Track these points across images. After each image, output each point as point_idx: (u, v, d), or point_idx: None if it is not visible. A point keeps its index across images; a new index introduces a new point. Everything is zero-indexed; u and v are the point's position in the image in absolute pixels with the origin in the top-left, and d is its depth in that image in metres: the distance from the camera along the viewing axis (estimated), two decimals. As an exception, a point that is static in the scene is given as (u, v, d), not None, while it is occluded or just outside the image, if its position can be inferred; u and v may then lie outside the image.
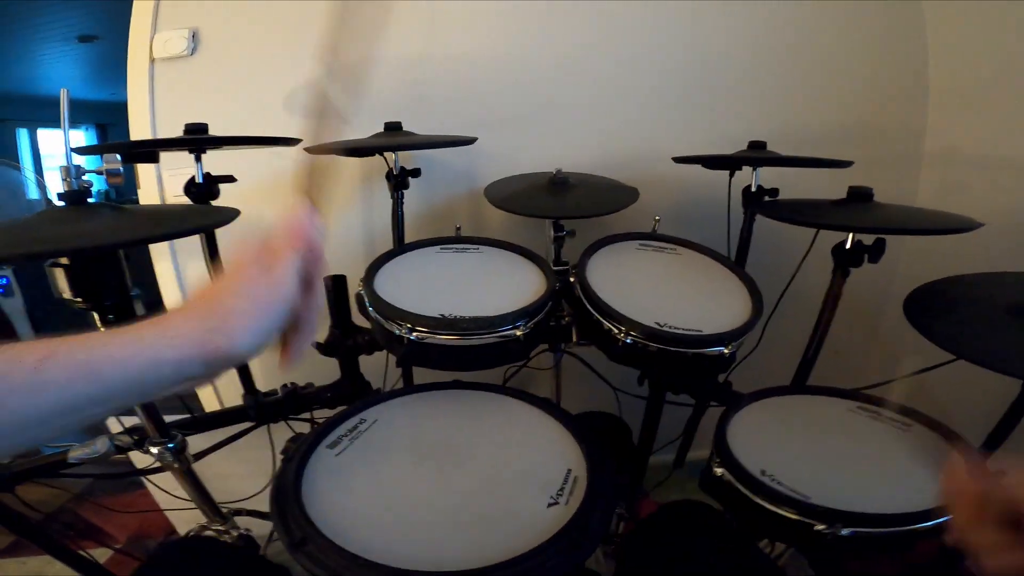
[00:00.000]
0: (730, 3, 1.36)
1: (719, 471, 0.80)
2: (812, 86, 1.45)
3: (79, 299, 0.76)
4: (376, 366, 1.20)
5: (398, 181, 1.15)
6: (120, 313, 0.78)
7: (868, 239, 1.00)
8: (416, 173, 1.18)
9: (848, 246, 1.00)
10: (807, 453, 0.81)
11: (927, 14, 1.42)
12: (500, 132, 1.35)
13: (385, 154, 1.14)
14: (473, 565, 0.56)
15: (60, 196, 0.76)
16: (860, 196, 1.00)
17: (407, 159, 1.21)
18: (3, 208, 2.36)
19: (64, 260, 0.74)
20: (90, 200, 0.77)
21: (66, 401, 0.33)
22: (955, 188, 1.46)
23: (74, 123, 0.78)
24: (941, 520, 0.67)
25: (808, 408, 0.94)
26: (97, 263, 0.74)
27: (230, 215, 0.75)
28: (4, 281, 2.34)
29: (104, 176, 0.80)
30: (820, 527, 0.67)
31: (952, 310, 0.92)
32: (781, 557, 1.15)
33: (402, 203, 1.18)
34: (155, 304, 1.26)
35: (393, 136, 1.12)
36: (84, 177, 0.78)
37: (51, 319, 2.93)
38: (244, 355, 0.39)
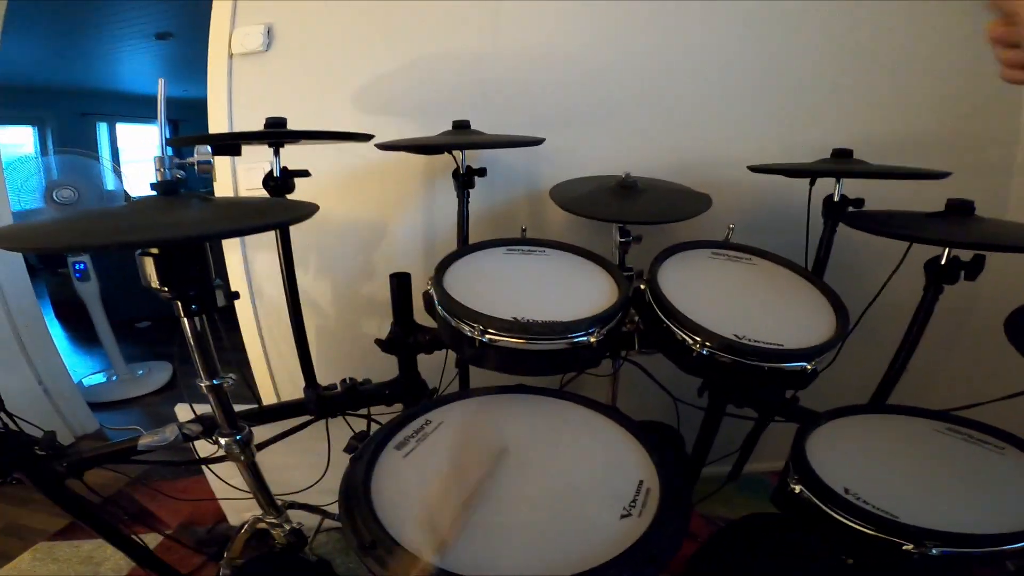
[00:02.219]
0: (814, 4, 1.29)
1: (796, 488, 0.77)
2: (897, 91, 1.36)
3: (165, 288, 0.79)
4: (433, 365, 1.21)
5: (465, 180, 1.15)
6: (203, 303, 0.80)
7: (965, 255, 0.94)
8: (483, 172, 1.17)
9: (944, 262, 0.94)
10: (893, 472, 0.78)
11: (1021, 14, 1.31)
12: (566, 133, 1.33)
13: (453, 152, 1.14)
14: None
15: (153, 186, 0.79)
16: (960, 209, 0.93)
17: (473, 158, 1.21)
18: (83, 197, 2.51)
19: (154, 249, 0.77)
20: (181, 191, 0.79)
21: None
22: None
23: (149, 119, 0.81)
24: None
25: (892, 427, 0.90)
26: (185, 253, 0.76)
27: (311, 209, 0.75)
28: (82, 266, 2.48)
29: (195, 167, 0.83)
30: (908, 547, 0.65)
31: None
32: None
33: (467, 202, 1.18)
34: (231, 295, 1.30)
35: (461, 134, 1.11)
36: (176, 168, 0.81)
37: (124, 304, 3.11)
38: None
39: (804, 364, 0.80)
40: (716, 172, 1.33)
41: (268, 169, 1.00)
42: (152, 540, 1.55)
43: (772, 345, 0.81)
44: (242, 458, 0.99)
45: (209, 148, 0.80)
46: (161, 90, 0.81)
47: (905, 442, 0.86)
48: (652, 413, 1.34)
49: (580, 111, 1.34)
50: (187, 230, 0.66)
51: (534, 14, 1.29)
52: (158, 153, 0.78)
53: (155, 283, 0.79)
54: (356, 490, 0.66)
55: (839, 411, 0.92)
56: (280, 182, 0.99)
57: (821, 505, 0.74)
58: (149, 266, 0.78)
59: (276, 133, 0.91)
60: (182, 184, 0.77)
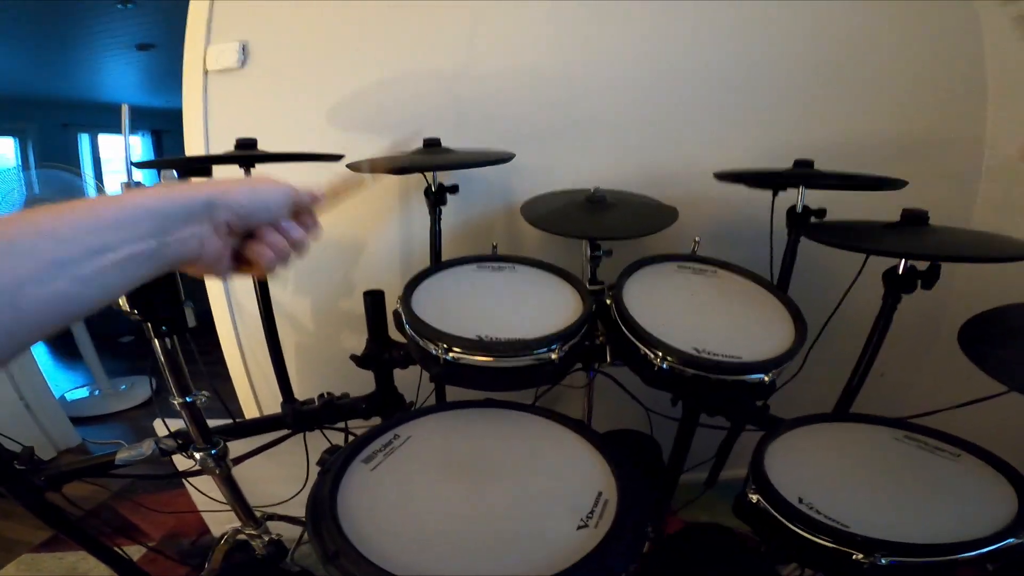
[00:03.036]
0: (773, 11, 1.32)
1: (754, 498, 0.79)
2: (860, 98, 1.39)
3: (135, 311, 0.80)
4: (410, 379, 1.22)
5: (436, 198, 1.17)
6: (173, 324, 0.82)
7: (922, 264, 0.96)
8: (454, 190, 1.19)
9: (901, 271, 0.97)
10: (848, 481, 0.80)
11: (982, 16, 1.33)
12: (538, 148, 1.35)
13: (424, 173, 1.16)
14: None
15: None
16: (915, 219, 0.95)
17: (445, 175, 1.23)
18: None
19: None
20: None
21: (91, 234, 0.34)
22: (1016, 204, 1.38)
23: (133, 129, 0.82)
24: (985, 550, 0.65)
25: (851, 436, 0.91)
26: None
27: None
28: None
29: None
30: (858, 556, 0.67)
31: (1009, 340, 0.88)
32: None
33: (440, 220, 1.20)
34: (205, 313, 1.31)
35: (432, 153, 1.13)
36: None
37: (106, 319, 3.07)
38: (240, 204, 0.46)
39: (762, 376, 0.83)
40: (685, 184, 1.36)
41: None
42: (136, 552, 1.55)
43: (731, 358, 0.83)
44: (217, 471, 1.01)
45: (175, 173, 0.82)
46: (125, 115, 0.82)
47: (863, 450, 0.87)
48: (629, 422, 1.36)
49: (551, 126, 1.37)
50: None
51: (507, 33, 1.32)
52: (124, 179, 0.80)
53: (124, 306, 0.80)
54: (322, 502, 0.68)
55: (800, 420, 0.94)
56: (252, 202, 1.00)
57: (776, 515, 0.75)
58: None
59: (246, 157, 0.93)
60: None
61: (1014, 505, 0.72)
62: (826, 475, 0.81)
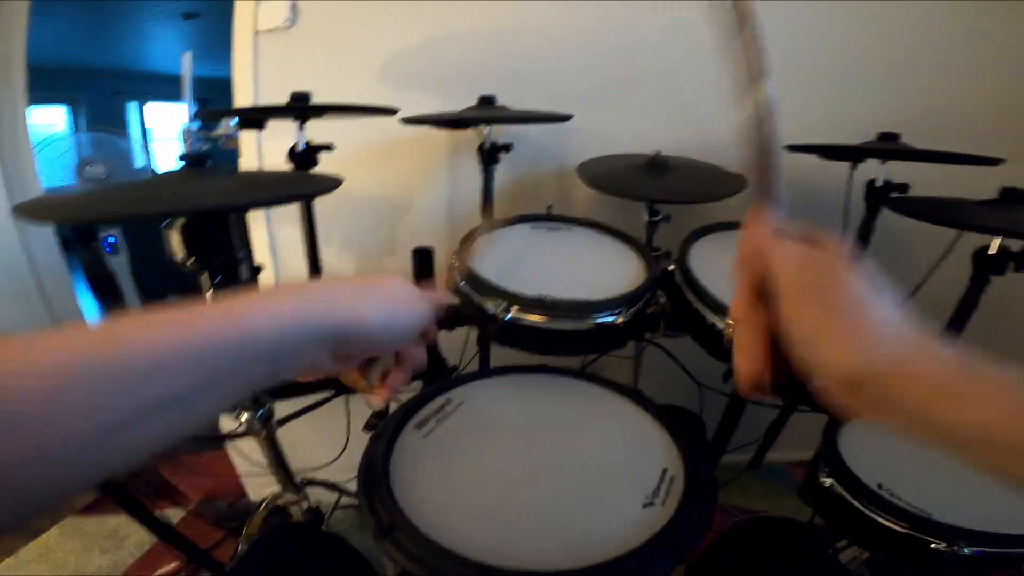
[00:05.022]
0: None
1: (827, 481, 0.76)
2: (947, 73, 1.30)
3: (192, 259, 0.79)
4: (454, 343, 1.20)
5: (489, 155, 1.13)
6: (227, 274, 0.80)
7: (1016, 245, 0.89)
8: (508, 148, 1.15)
9: (993, 252, 0.89)
10: (926, 467, 0.76)
11: None
12: (595, 110, 1.29)
13: (479, 127, 1.12)
14: (564, 566, 0.53)
15: (180, 158, 0.79)
16: (1014, 197, 0.89)
17: (499, 133, 1.18)
18: (113, 174, 2.56)
19: (180, 221, 0.77)
20: (209, 163, 0.79)
21: (211, 356, 0.29)
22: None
23: (177, 98, 0.81)
24: None
25: None
26: (210, 225, 0.76)
27: (334, 183, 0.75)
28: (112, 240, 2.54)
29: (221, 140, 0.82)
30: (939, 544, 0.65)
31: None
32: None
33: (492, 178, 1.16)
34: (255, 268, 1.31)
35: (487, 109, 1.09)
36: (203, 143, 0.80)
37: (153, 278, 3.18)
38: (376, 333, 0.39)
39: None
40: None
41: (292, 143, 0.99)
42: (175, 515, 1.59)
43: (806, 331, 0.78)
44: (263, 434, 1.00)
45: (234, 121, 0.80)
46: (187, 64, 0.80)
47: None
48: (672, 397, 1.31)
49: (611, 87, 1.30)
50: (212, 201, 0.65)
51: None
52: (185, 126, 0.78)
53: (180, 255, 0.79)
54: (376, 470, 0.65)
55: None
56: (304, 156, 0.98)
57: (852, 501, 0.72)
58: (175, 239, 0.78)
59: (301, 107, 0.90)
60: (207, 157, 0.77)
61: None
62: (903, 460, 0.77)
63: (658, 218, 1.06)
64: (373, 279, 0.42)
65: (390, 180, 1.38)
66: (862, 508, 0.71)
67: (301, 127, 0.98)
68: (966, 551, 0.63)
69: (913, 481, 0.72)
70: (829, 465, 0.76)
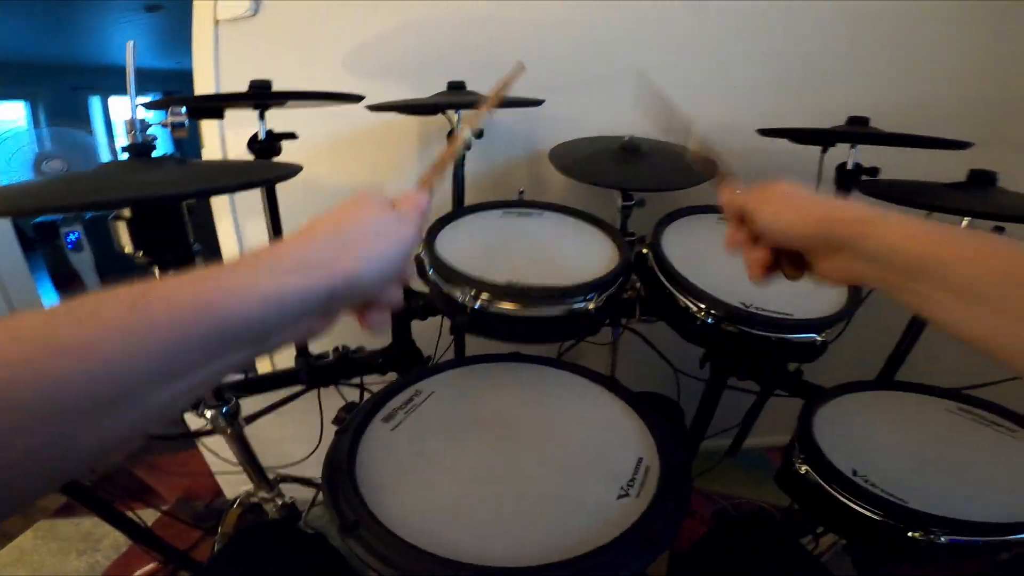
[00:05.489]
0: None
1: (802, 468, 0.75)
2: (916, 58, 1.30)
3: (140, 252, 0.75)
4: (428, 333, 1.17)
5: (460, 143, 1.10)
6: (181, 268, 0.76)
7: (984, 227, 0.89)
8: (479, 134, 1.12)
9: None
10: (902, 454, 0.76)
11: None
12: (567, 95, 1.27)
13: (447, 113, 1.09)
14: (536, 561, 0.52)
15: (124, 149, 0.75)
16: (982, 180, 0.90)
17: (469, 120, 1.16)
18: (74, 168, 2.47)
19: (127, 213, 0.73)
20: (154, 154, 0.75)
21: (174, 349, 0.26)
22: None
23: (141, 91, 0.77)
24: None
25: (902, 406, 0.87)
26: (159, 216, 0.72)
27: (292, 170, 0.71)
28: (75, 236, 2.45)
29: (169, 129, 0.78)
30: (915, 533, 0.64)
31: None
32: (824, 555, 1.08)
33: (463, 165, 1.13)
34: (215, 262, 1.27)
35: (456, 95, 1.06)
36: (149, 131, 0.76)
37: (118, 276, 3.08)
38: (368, 284, 0.36)
39: (814, 336, 0.76)
40: (723, 138, 1.26)
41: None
42: (151, 516, 1.55)
43: (781, 315, 0.77)
44: (229, 431, 0.97)
45: (184, 109, 0.76)
46: (130, 54, 0.76)
47: (915, 422, 0.83)
48: (650, 384, 1.30)
49: (583, 73, 1.28)
50: (153, 190, 0.62)
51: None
52: (129, 116, 0.74)
53: (129, 248, 0.75)
54: (340, 466, 0.62)
55: (846, 387, 0.89)
56: (265, 145, 0.94)
57: (827, 487, 0.71)
58: (123, 231, 0.74)
59: (258, 95, 0.86)
60: (152, 147, 0.73)
61: None
62: (879, 446, 0.77)
63: (632, 203, 1.05)
64: (347, 216, 0.37)
65: (360, 169, 1.35)
66: (837, 495, 0.70)
67: (261, 116, 0.94)
68: (942, 539, 0.63)
69: (889, 468, 0.72)
70: (804, 452, 0.75)
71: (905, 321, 1.07)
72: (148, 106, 0.88)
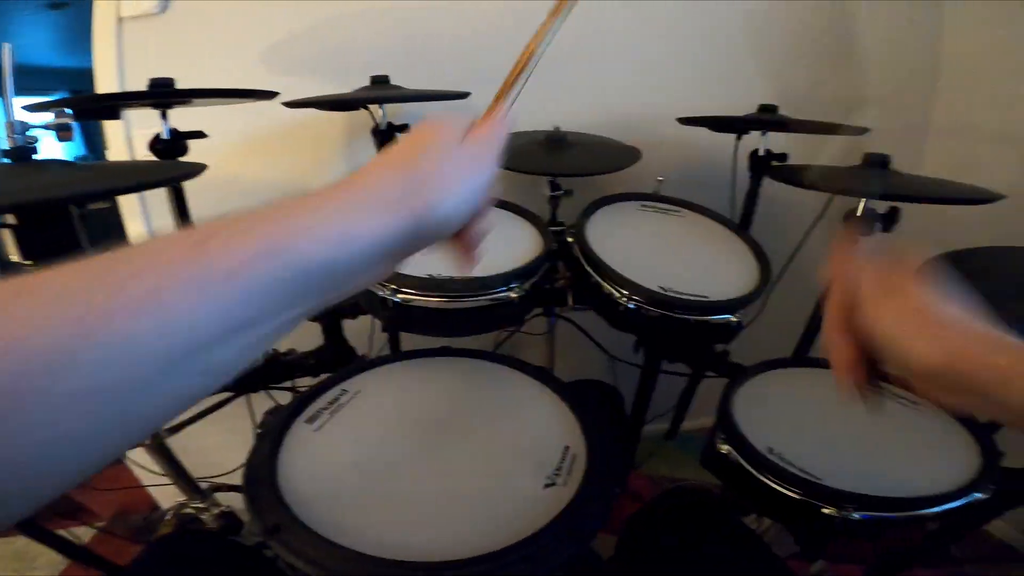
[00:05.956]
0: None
1: (724, 448, 0.76)
2: (825, 50, 1.38)
3: (29, 261, 0.69)
4: (362, 331, 1.15)
5: (384, 136, 1.07)
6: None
7: (881, 208, 0.95)
8: (404, 128, 1.10)
9: (860, 213, 0.95)
10: (814, 431, 0.78)
11: None
12: (494, 87, 1.26)
13: (371, 108, 1.07)
14: (465, 554, 0.51)
15: (4, 153, 0.70)
16: (877, 163, 0.95)
17: (395, 114, 1.13)
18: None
19: (11, 219, 0.68)
20: (35, 157, 0.70)
21: (241, 298, 0.23)
22: (961, 162, 1.41)
23: (46, 90, 0.72)
24: (952, 505, 0.65)
25: (814, 382, 0.90)
26: (45, 221, 0.67)
27: (194, 169, 0.68)
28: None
29: (55, 132, 0.73)
30: (829, 510, 0.65)
31: (963, 285, 0.88)
32: (767, 531, 1.13)
33: (391, 161, 1.11)
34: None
35: (379, 89, 1.04)
36: (29, 132, 0.71)
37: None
38: (447, 221, 0.33)
39: (728, 316, 0.80)
40: (645, 127, 1.31)
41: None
42: (87, 533, 1.46)
43: (697, 297, 0.80)
44: (149, 441, 0.92)
45: (68, 110, 0.71)
46: (6, 57, 0.71)
47: (826, 398, 0.85)
48: (589, 372, 1.33)
49: (507, 65, 1.28)
50: (38, 194, 0.57)
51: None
52: (7, 118, 0.69)
53: (16, 256, 0.70)
54: (260, 470, 0.60)
55: (764, 365, 0.91)
56: (170, 145, 0.89)
57: (748, 467, 0.72)
58: (7, 238, 0.69)
59: (157, 94, 0.81)
60: (32, 150, 0.68)
61: (976, 456, 0.72)
62: (793, 424, 0.79)
63: (559, 192, 1.06)
64: (421, 146, 0.34)
65: (283, 167, 1.30)
66: (756, 474, 0.71)
67: (163, 116, 0.88)
68: (855, 516, 0.64)
69: (803, 445, 0.73)
70: (724, 431, 0.76)
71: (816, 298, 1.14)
72: (31, 108, 0.82)
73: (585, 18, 1.26)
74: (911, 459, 0.73)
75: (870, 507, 0.64)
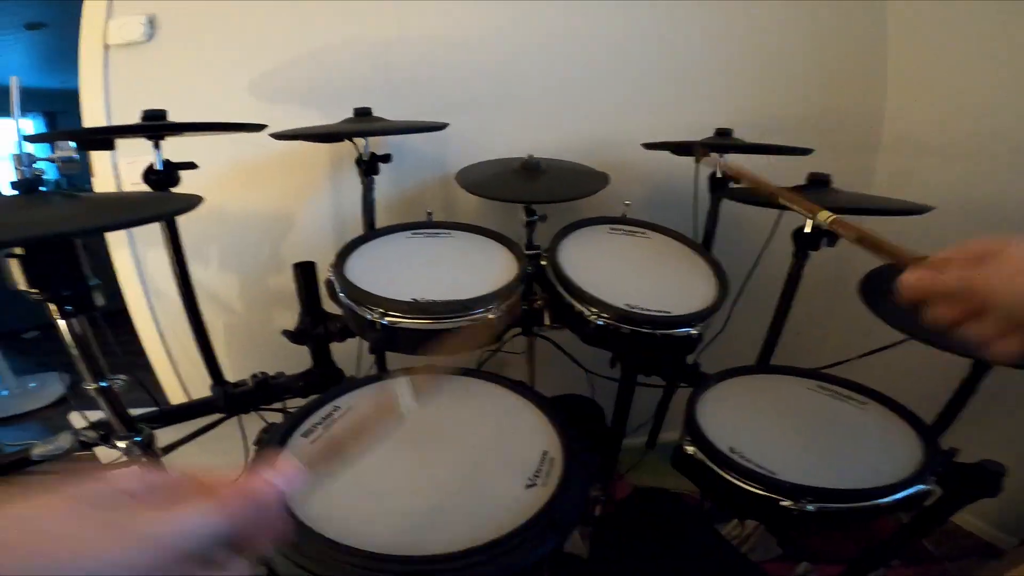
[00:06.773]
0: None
1: (690, 449, 0.82)
2: (776, 75, 1.49)
3: (35, 290, 0.73)
4: (348, 353, 1.20)
5: (368, 167, 1.14)
6: (79, 303, 0.75)
7: (825, 224, 1.03)
8: (387, 159, 1.16)
9: (807, 230, 1.02)
10: (772, 431, 0.84)
11: (888, 3, 1.47)
12: (471, 117, 1.34)
13: (355, 140, 1.13)
14: (452, 549, 0.57)
15: (12, 185, 0.73)
16: (819, 182, 1.04)
17: (377, 144, 1.20)
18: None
19: (19, 250, 0.72)
20: (43, 188, 0.74)
21: None
22: (910, 174, 1.52)
23: (23, 112, 0.75)
24: (901, 495, 0.70)
25: (772, 387, 0.97)
26: (51, 253, 0.71)
27: (191, 202, 0.72)
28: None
29: (57, 164, 0.77)
30: (786, 503, 0.70)
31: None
32: (750, 537, 1.18)
33: (372, 189, 1.17)
34: (114, 295, 1.21)
35: (362, 122, 1.10)
36: (36, 165, 0.75)
37: (8, 314, 2.85)
38: None
39: (688, 329, 0.87)
40: (614, 152, 1.40)
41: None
42: None
43: (661, 313, 0.87)
44: (144, 460, 0.94)
45: (72, 143, 0.75)
46: (14, 88, 0.75)
47: (782, 400, 0.92)
48: (569, 387, 1.39)
49: (484, 96, 1.36)
50: (47, 228, 0.62)
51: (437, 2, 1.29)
52: (15, 151, 0.72)
53: (23, 285, 0.73)
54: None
55: (726, 373, 0.98)
56: (163, 176, 0.93)
57: (712, 465, 0.77)
58: (15, 268, 0.72)
59: (153, 126, 0.86)
60: (40, 182, 0.72)
61: (918, 451, 0.78)
62: (752, 425, 0.85)
63: (535, 218, 1.13)
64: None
65: (270, 196, 1.35)
66: (720, 472, 0.76)
67: (156, 146, 0.93)
68: (810, 508, 0.69)
69: (760, 444, 0.78)
70: (690, 434, 0.82)
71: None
72: (31, 139, 0.86)
73: (556, 50, 1.36)
74: (861, 455, 0.79)
75: (823, 499, 0.69)
